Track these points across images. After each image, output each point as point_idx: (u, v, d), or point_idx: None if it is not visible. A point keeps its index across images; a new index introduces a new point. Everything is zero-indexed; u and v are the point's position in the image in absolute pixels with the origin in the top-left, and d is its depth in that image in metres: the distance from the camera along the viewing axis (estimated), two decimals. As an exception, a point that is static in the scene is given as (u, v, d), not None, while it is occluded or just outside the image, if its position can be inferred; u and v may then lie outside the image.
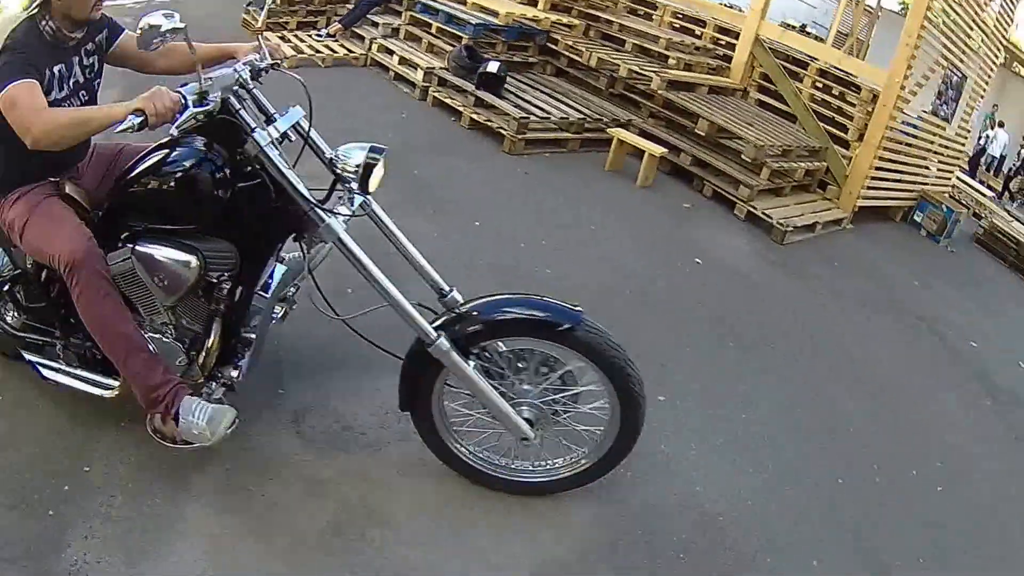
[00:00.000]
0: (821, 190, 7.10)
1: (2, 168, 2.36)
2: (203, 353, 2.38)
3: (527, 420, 2.39)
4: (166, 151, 2.27)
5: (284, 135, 2.27)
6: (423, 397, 2.41)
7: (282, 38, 7.51)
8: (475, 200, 5.28)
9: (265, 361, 2.82)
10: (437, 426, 2.49)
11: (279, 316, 2.83)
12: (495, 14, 7.49)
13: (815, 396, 4.00)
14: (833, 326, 5.01)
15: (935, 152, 8.17)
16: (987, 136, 16.04)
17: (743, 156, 6.36)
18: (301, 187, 2.19)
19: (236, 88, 2.21)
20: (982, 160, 16.24)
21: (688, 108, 6.87)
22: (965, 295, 6.80)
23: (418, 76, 7.08)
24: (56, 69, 2.27)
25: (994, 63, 8.83)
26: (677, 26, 9.01)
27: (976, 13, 7.66)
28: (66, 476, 2.35)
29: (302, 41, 7.76)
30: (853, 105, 7.18)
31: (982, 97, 8.92)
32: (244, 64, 2.29)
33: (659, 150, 6.31)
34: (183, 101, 2.07)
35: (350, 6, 8.44)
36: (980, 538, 3.37)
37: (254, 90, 2.32)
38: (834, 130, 7.18)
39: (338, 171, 2.29)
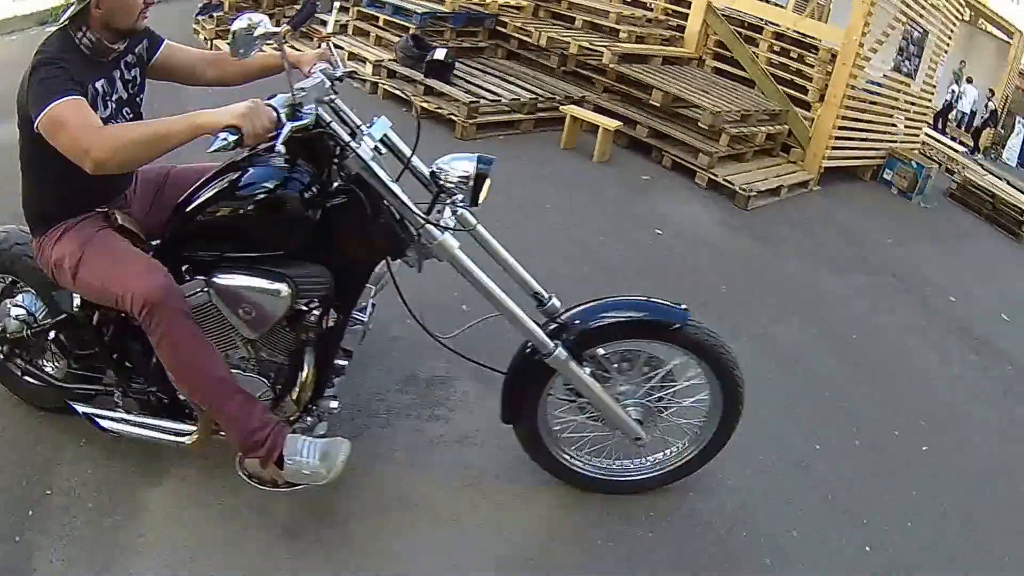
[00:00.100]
0: (785, 153, 6.95)
1: (37, 201, 2.13)
2: (296, 388, 2.20)
3: (636, 420, 2.36)
4: (238, 172, 2.07)
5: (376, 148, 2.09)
6: (529, 409, 2.35)
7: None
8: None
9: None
10: (543, 437, 2.43)
11: (361, 337, 2.57)
12: (442, 1, 7.31)
13: (788, 359, 3.80)
14: (803, 287, 4.80)
15: (901, 109, 8.01)
16: (953, 91, 15.91)
17: (700, 124, 6.19)
18: (411, 203, 2.03)
19: (325, 99, 2.03)
20: (952, 116, 16.14)
21: (642, 80, 6.68)
22: (941, 250, 6.62)
23: (367, 70, 6.85)
24: (99, 85, 2.01)
25: (956, 18, 8.68)
26: (628, 0, 8.82)
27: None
28: (31, 501, 2.29)
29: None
30: (812, 66, 7.07)
31: (946, 52, 8.77)
32: (320, 72, 2.09)
33: (613, 124, 6.10)
34: (277, 116, 1.88)
35: (298, 7, 8.20)
36: (968, 496, 3.16)
37: (336, 100, 2.11)
38: (794, 92, 7.05)
39: (441, 183, 2.08)
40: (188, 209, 2.09)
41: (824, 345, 4.07)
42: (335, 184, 2.07)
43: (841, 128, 6.85)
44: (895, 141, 7.93)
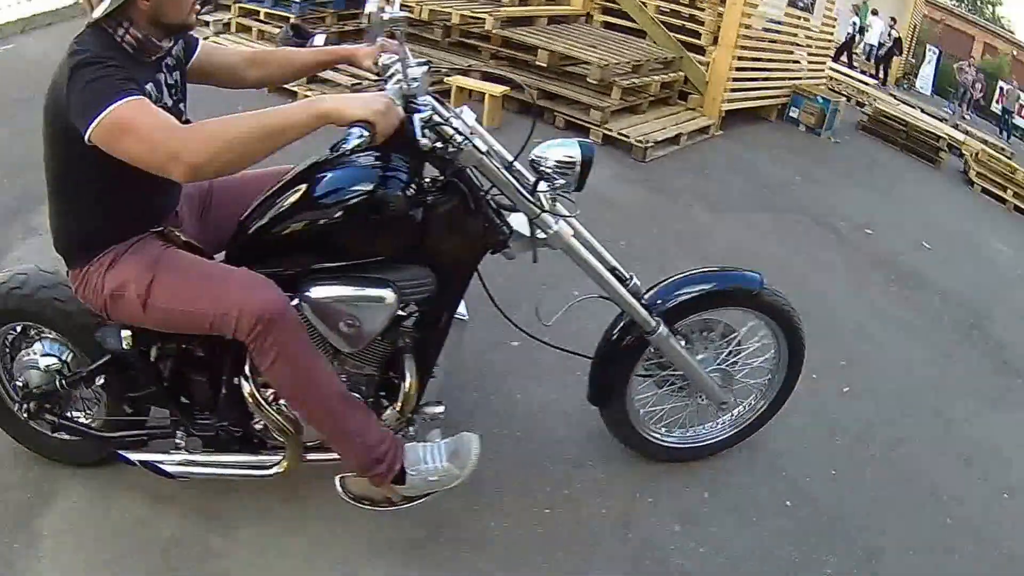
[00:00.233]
0: (683, 101, 6.66)
1: (76, 226, 1.83)
2: (400, 398, 2.08)
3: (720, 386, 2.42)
4: (314, 179, 1.92)
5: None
6: (619, 389, 2.36)
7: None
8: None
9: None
10: (630, 416, 2.44)
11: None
12: (321, -13, 6.91)
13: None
14: (706, 235, 4.48)
15: (801, 45, 7.79)
16: (854, 23, 15.90)
17: (590, 80, 5.85)
18: (527, 193, 1.96)
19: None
20: (859, 50, 16.18)
21: (527, 42, 6.32)
22: (854, 183, 6.40)
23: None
24: (148, 87, 1.71)
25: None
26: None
27: None
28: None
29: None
30: (703, 10, 6.77)
31: (842, -16, 8.60)
32: (414, 62, 1.91)
33: (499, 89, 5.70)
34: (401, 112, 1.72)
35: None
36: (892, 437, 2.87)
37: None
38: (689, 39, 6.76)
39: (541, 170, 1.98)
40: (261, 223, 1.92)
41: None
42: (428, 179, 1.94)
43: (739, 70, 6.59)
44: (799, 78, 7.71)
